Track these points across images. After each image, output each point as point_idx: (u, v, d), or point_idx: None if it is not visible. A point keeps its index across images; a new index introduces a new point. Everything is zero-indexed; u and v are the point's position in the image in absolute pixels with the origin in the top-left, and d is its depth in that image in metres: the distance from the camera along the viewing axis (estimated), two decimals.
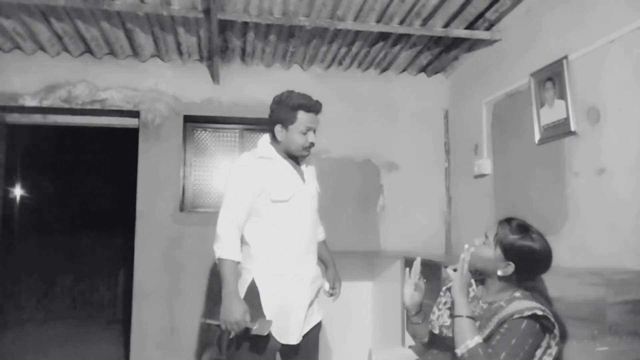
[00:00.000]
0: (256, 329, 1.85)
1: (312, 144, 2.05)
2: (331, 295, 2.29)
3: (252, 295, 1.96)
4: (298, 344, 2.01)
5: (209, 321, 2.06)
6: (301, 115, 2.00)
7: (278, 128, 2.02)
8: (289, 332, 1.98)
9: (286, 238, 2.00)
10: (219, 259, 1.93)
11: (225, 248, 1.93)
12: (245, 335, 1.91)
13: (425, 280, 1.81)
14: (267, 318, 1.91)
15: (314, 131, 2.04)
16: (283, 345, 1.98)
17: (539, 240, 1.52)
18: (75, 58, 3.43)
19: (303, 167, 2.13)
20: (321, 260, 2.30)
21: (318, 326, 2.16)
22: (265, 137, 2.11)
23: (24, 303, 6.40)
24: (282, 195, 1.98)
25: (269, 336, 1.90)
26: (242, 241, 2.02)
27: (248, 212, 1.99)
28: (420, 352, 1.85)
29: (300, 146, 2.02)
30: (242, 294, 1.96)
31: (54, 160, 7.21)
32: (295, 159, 2.10)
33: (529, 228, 1.54)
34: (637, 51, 2.03)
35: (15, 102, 3.35)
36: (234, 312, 1.84)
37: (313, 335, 2.13)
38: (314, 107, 2.01)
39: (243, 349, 1.95)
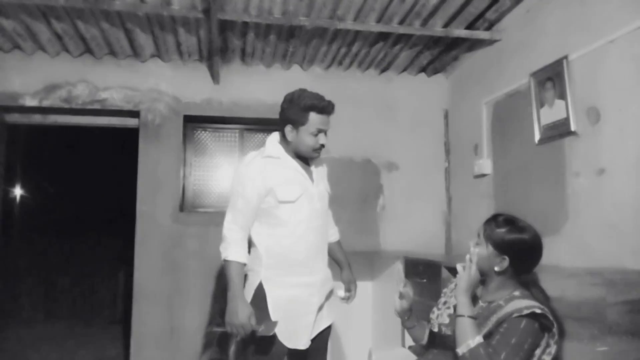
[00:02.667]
0: (262, 330, 1.82)
1: (322, 146, 1.99)
2: (346, 300, 2.22)
3: (260, 298, 1.91)
4: (306, 349, 1.95)
5: (215, 329, 2.03)
6: (313, 116, 1.92)
7: (288, 128, 1.96)
8: (297, 337, 1.92)
9: (294, 239, 1.95)
10: (225, 261, 1.89)
11: (231, 249, 1.88)
12: (252, 338, 1.87)
13: (410, 286, 1.79)
14: (274, 320, 1.87)
15: (325, 133, 1.98)
16: (291, 349, 1.92)
17: (527, 229, 1.53)
18: (75, 58, 3.43)
19: (312, 167, 2.07)
20: (335, 262, 2.25)
21: (327, 330, 2.10)
22: (274, 136, 2.05)
23: (24, 303, 6.40)
24: (288, 195, 1.92)
25: (274, 338, 1.86)
26: (250, 242, 1.98)
27: (254, 212, 1.94)
28: (420, 352, 1.85)
29: (311, 148, 1.96)
30: (249, 297, 1.92)
31: (53, 160, 7.21)
32: (304, 159, 2.04)
33: (515, 220, 1.55)
34: (637, 51, 2.03)
35: (15, 102, 3.35)
36: (239, 315, 1.81)
37: (322, 339, 2.07)
38: (326, 108, 1.94)
39: (249, 352, 1.92)
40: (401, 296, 1.78)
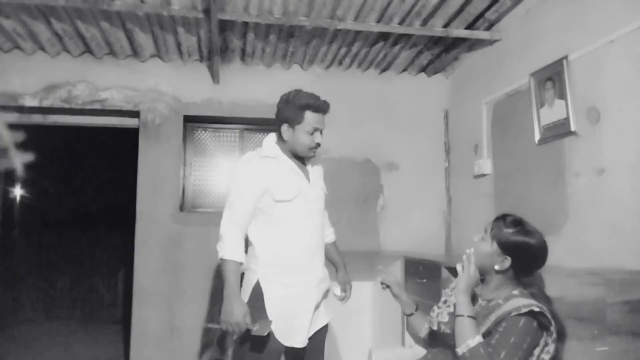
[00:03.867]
0: (256, 330, 1.84)
1: (318, 145, 2.02)
2: (342, 299, 2.24)
3: (257, 297, 1.93)
4: (303, 347, 1.97)
5: (211, 325, 2.05)
6: (308, 115, 1.96)
7: (284, 127, 2.00)
8: (294, 335, 1.94)
9: (291, 239, 1.98)
10: (222, 260, 1.91)
11: (227, 248, 1.90)
12: (247, 336, 1.89)
13: (385, 285, 1.90)
14: (271, 319, 1.89)
15: (321, 132, 2.02)
16: (288, 347, 1.94)
17: (534, 234, 1.53)
18: (75, 58, 3.43)
19: (309, 167, 2.11)
20: (331, 262, 2.27)
21: (324, 329, 2.12)
22: (271, 136, 2.09)
23: (24, 303, 6.40)
24: (285, 195, 1.95)
25: (269, 337, 1.88)
26: (247, 241, 2.00)
27: (251, 212, 1.97)
28: (424, 345, 1.85)
29: (307, 147, 2.00)
30: (246, 295, 1.94)
31: (54, 160, 7.21)
32: (301, 159, 2.07)
33: (524, 223, 1.56)
34: (637, 51, 2.03)
35: (15, 102, 3.35)
36: (234, 314, 1.83)
37: (319, 338, 2.09)
38: (321, 107, 1.98)
39: (245, 351, 1.93)
40: (384, 284, 1.89)
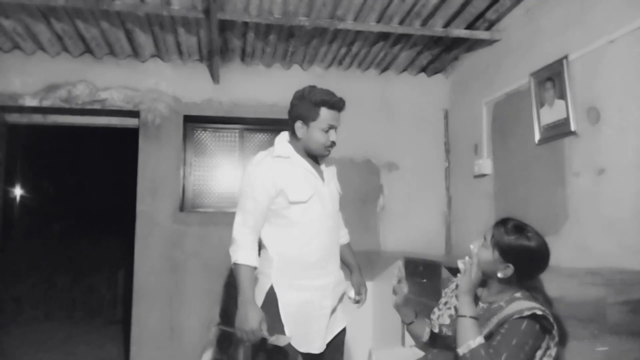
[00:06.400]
0: (272, 339, 1.77)
1: (333, 143, 1.96)
2: (357, 302, 2.17)
3: (271, 302, 1.86)
4: (321, 353, 1.90)
5: (222, 327, 1.97)
6: (324, 112, 1.89)
7: (299, 124, 1.91)
8: (310, 341, 1.87)
9: (306, 241, 1.89)
10: (235, 264, 1.83)
11: (241, 252, 1.83)
12: (263, 344, 1.82)
13: (405, 283, 1.80)
14: (286, 325, 1.83)
15: (336, 129, 1.94)
16: (304, 354, 1.87)
17: (536, 239, 1.50)
18: (75, 58, 3.43)
19: (322, 166, 2.04)
20: (345, 265, 2.19)
21: (342, 333, 2.05)
22: (283, 135, 2.01)
23: (24, 303, 6.40)
24: (300, 196, 1.87)
25: (286, 347, 1.81)
26: (260, 245, 1.93)
27: (264, 214, 1.89)
28: (423, 348, 1.84)
29: (322, 145, 1.92)
30: (260, 301, 1.87)
31: (54, 160, 7.21)
32: (314, 158, 2.00)
33: (525, 228, 1.52)
34: (637, 51, 2.03)
35: (15, 102, 3.35)
36: (249, 321, 1.74)
37: (337, 343, 2.02)
38: (337, 104, 1.91)
39: (260, 358, 1.88)
40: (394, 291, 1.79)
